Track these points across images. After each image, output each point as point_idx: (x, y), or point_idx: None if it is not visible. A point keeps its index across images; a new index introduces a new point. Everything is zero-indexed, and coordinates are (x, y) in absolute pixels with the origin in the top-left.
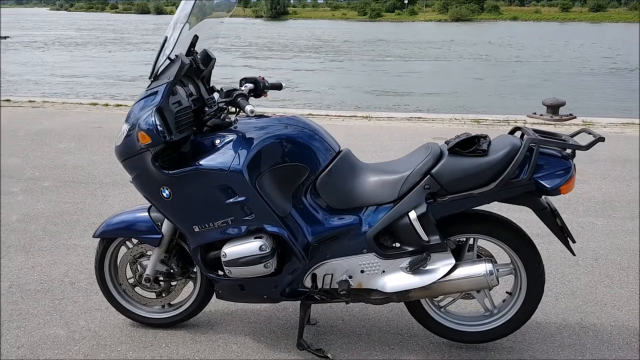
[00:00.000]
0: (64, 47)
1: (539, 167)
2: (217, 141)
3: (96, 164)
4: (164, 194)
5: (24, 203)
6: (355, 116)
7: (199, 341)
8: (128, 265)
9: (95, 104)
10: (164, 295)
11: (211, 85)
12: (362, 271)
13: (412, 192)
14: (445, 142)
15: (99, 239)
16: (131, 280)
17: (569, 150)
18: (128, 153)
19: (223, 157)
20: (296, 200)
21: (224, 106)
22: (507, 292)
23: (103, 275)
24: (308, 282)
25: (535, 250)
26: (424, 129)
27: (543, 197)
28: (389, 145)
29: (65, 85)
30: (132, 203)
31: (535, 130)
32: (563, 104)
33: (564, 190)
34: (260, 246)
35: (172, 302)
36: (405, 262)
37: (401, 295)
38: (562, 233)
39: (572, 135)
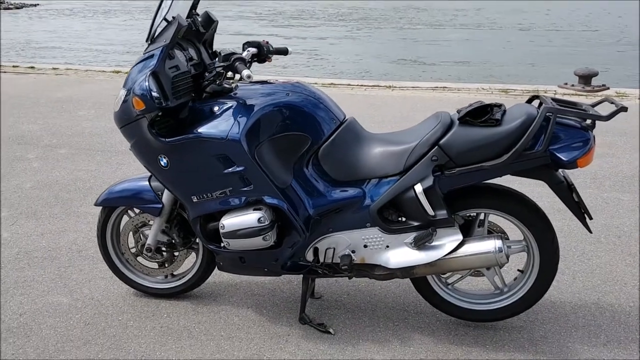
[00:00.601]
0: (92, 14)
1: (555, 139)
2: (216, 108)
3: (113, 132)
4: (162, 163)
5: (39, 170)
6: (378, 86)
7: (201, 312)
8: (130, 235)
9: (118, 72)
10: (166, 265)
11: (214, 49)
12: (365, 246)
13: (418, 164)
14: (457, 111)
15: (100, 207)
16: (133, 250)
17: (588, 121)
18: (125, 120)
19: (221, 125)
20: (297, 171)
21: (221, 71)
22: (518, 270)
23: (105, 244)
24: (310, 256)
25: (550, 226)
26: (449, 99)
27: (560, 170)
28: (411, 116)
29: (90, 53)
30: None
31: (554, 99)
32: (596, 74)
33: (582, 163)
34: (259, 218)
35: (175, 273)
36: (410, 237)
37: (405, 272)
38: (579, 209)
39: (594, 105)
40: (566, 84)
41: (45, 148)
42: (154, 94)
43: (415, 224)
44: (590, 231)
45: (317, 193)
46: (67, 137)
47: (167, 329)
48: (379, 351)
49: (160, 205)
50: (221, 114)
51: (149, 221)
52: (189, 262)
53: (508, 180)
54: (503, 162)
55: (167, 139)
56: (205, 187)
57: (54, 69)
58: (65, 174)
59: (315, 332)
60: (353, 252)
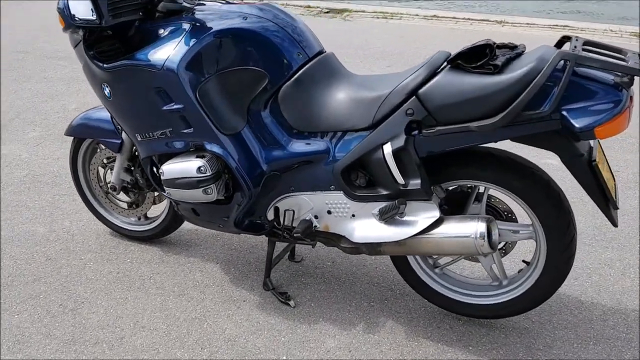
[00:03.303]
0: None
1: (571, 96)
2: (161, 31)
3: None
4: (106, 92)
5: (87, 92)
6: (487, 20)
7: (166, 262)
8: (99, 170)
9: None
10: (134, 206)
11: None
12: (329, 212)
13: (390, 118)
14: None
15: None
16: (103, 187)
17: (625, 78)
18: (72, 40)
19: (160, 51)
20: (252, 115)
21: None
22: (523, 261)
23: (77, 178)
24: (271, 216)
25: (564, 209)
26: None
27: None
28: None
29: None
30: None
31: (590, 43)
32: None
33: (603, 132)
34: (199, 167)
35: (148, 215)
36: (378, 208)
37: (372, 248)
38: (602, 194)
39: None
40: None
41: None
42: (71, 10)
43: (384, 192)
44: (614, 224)
45: (274, 144)
46: None
47: (122, 275)
48: (335, 335)
49: (120, 141)
50: (164, 38)
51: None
52: (163, 205)
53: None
54: (494, 123)
55: (104, 65)
56: (146, 125)
57: None
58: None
59: (275, 301)
60: (316, 217)
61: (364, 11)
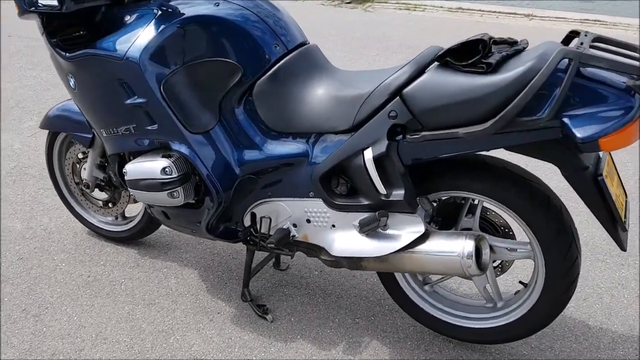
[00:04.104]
0: None
1: (574, 101)
2: (127, 18)
3: None
4: (71, 84)
5: None
6: (515, 13)
7: (141, 266)
8: (73, 166)
9: None
10: (110, 205)
11: None
12: (308, 220)
13: (371, 120)
14: None
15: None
16: (80, 184)
17: (639, 81)
18: (39, 28)
19: (123, 40)
20: (225, 112)
21: None
22: (520, 282)
23: (54, 174)
24: (247, 223)
25: (565, 228)
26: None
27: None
28: None
29: None
30: None
31: (601, 38)
32: None
33: (609, 144)
34: (164, 168)
35: (126, 215)
36: (359, 219)
37: (352, 263)
38: (608, 213)
39: None
40: None
41: None
42: None
43: (365, 202)
44: (623, 248)
45: (248, 145)
46: None
47: (93, 279)
48: (312, 355)
49: (91, 135)
50: (129, 26)
51: None
52: (140, 204)
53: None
54: (484, 130)
55: (66, 54)
56: (110, 119)
57: None
58: None
59: (252, 314)
60: (295, 226)
61: (386, 2)
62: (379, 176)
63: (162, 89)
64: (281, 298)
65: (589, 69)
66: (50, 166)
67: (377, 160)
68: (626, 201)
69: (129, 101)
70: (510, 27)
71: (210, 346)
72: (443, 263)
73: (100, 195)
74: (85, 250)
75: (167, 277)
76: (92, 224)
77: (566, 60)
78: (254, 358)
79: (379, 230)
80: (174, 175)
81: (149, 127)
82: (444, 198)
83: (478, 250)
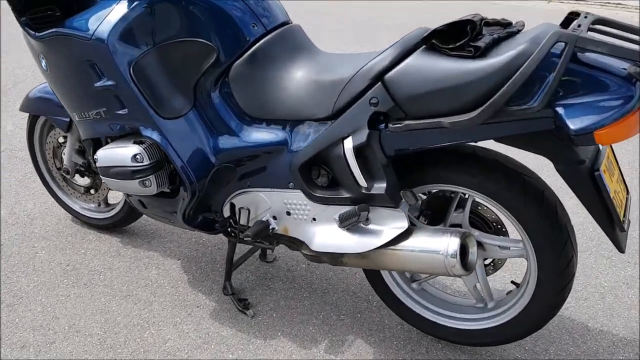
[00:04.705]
0: None
1: (569, 89)
2: None
3: None
4: (42, 65)
5: None
6: None
7: (122, 255)
8: (54, 150)
9: None
10: (92, 191)
11: None
12: (288, 213)
13: (352, 107)
14: None
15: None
16: (61, 169)
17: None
18: None
19: (92, 19)
20: (200, 98)
21: None
22: (512, 282)
23: (35, 158)
24: (226, 213)
25: (559, 226)
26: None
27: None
28: None
29: None
30: None
31: (602, 20)
32: None
33: (605, 137)
34: (135, 155)
35: (108, 202)
36: (339, 213)
37: (333, 259)
38: (605, 212)
39: None
40: None
41: None
42: None
43: (346, 195)
44: (620, 249)
45: (224, 131)
46: None
47: (72, 268)
48: (291, 353)
49: (68, 119)
50: (100, 4)
51: None
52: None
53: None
54: (470, 120)
55: (36, 34)
56: (80, 103)
57: None
58: None
59: (232, 308)
60: (275, 218)
61: None
62: (360, 168)
63: (131, 71)
64: (265, 292)
65: (586, 54)
66: (32, 150)
67: (357, 150)
68: (627, 198)
69: (98, 84)
70: (525, 10)
71: (185, 342)
72: (426, 261)
73: (82, 181)
74: (67, 237)
75: (148, 267)
76: (74, 210)
77: (561, 44)
78: (230, 356)
79: (361, 225)
80: (146, 163)
81: (119, 112)
82: (434, 191)
83: (464, 249)
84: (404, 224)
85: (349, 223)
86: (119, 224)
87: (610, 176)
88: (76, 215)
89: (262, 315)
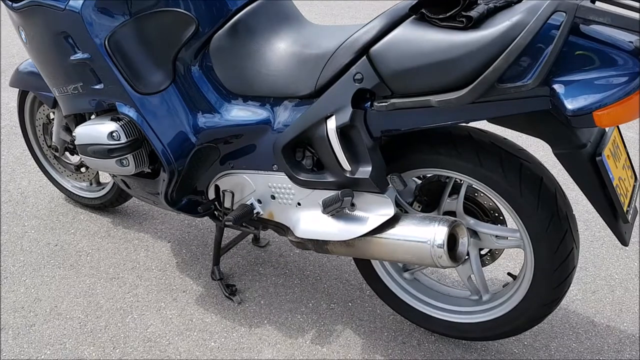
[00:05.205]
0: None
1: (568, 65)
2: None
3: None
4: (22, 37)
5: None
6: None
7: (112, 236)
8: (44, 127)
9: None
10: (82, 170)
11: None
12: (272, 197)
13: (335, 84)
14: None
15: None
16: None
17: None
18: None
19: None
20: (180, 72)
21: None
22: (509, 274)
23: (26, 134)
24: (211, 196)
25: (558, 216)
26: None
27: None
28: None
29: None
30: None
31: None
32: None
33: (605, 118)
34: (112, 133)
35: (100, 181)
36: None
37: (318, 246)
38: (607, 201)
39: None
40: None
41: None
42: None
43: (330, 179)
44: (623, 242)
45: (205, 108)
46: None
47: (59, 248)
48: (276, 343)
49: (53, 95)
50: None
51: None
52: None
53: None
54: (460, 98)
55: (13, 4)
56: (59, 77)
57: None
58: None
59: (219, 294)
60: (259, 202)
61: None
62: (343, 150)
63: (106, 43)
64: (255, 277)
65: (588, 25)
66: (23, 127)
67: (341, 131)
68: (635, 186)
69: (73, 57)
70: None
71: (167, 328)
72: (411, 251)
73: (73, 158)
74: (58, 217)
75: (137, 249)
76: (66, 189)
77: (560, 14)
78: (212, 344)
79: (346, 211)
80: (123, 141)
81: (96, 87)
82: (429, 175)
83: (454, 238)
84: (390, 211)
85: (332, 209)
86: (110, 203)
87: (615, 161)
88: (68, 194)
89: (249, 302)
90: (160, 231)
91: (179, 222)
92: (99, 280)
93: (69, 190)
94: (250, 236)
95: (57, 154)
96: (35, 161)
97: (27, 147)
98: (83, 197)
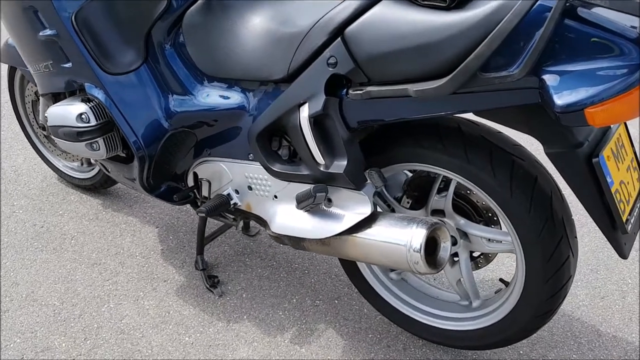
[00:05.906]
0: None
1: (560, 53)
2: None
3: None
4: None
5: None
6: None
7: (100, 219)
8: (33, 104)
9: None
10: None
11: None
12: (250, 187)
13: (307, 69)
14: None
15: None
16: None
17: None
18: None
19: None
20: (152, 52)
21: None
22: (501, 280)
23: (17, 111)
24: (190, 183)
25: (553, 220)
26: None
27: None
28: None
29: None
30: None
31: None
32: None
33: (598, 116)
34: (81, 114)
35: (91, 162)
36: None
37: (295, 242)
38: (604, 208)
39: None
40: None
41: None
42: None
43: (304, 172)
44: (622, 255)
45: (178, 91)
46: None
47: (45, 230)
48: (253, 341)
49: None
50: None
51: None
52: None
53: None
54: (438, 88)
55: None
56: (30, 54)
57: None
58: None
59: (201, 285)
60: (237, 192)
61: None
62: (317, 141)
63: (73, 19)
64: (240, 268)
65: (586, 10)
66: (14, 104)
67: (315, 120)
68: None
69: (41, 33)
70: None
71: (143, 319)
72: (387, 254)
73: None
74: (48, 197)
75: (123, 234)
76: (57, 168)
77: None
78: (186, 339)
79: (323, 207)
80: (92, 124)
81: (65, 65)
82: (418, 169)
83: (435, 242)
84: (366, 210)
85: (305, 205)
86: (100, 185)
87: (616, 163)
88: (60, 174)
89: (230, 295)
90: (149, 215)
91: (170, 206)
92: (80, 265)
93: (61, 170)
94: (240, 225)
95: (45, 132)
96: (28, 140)
97: (19, 125)
98: (74, 177)
